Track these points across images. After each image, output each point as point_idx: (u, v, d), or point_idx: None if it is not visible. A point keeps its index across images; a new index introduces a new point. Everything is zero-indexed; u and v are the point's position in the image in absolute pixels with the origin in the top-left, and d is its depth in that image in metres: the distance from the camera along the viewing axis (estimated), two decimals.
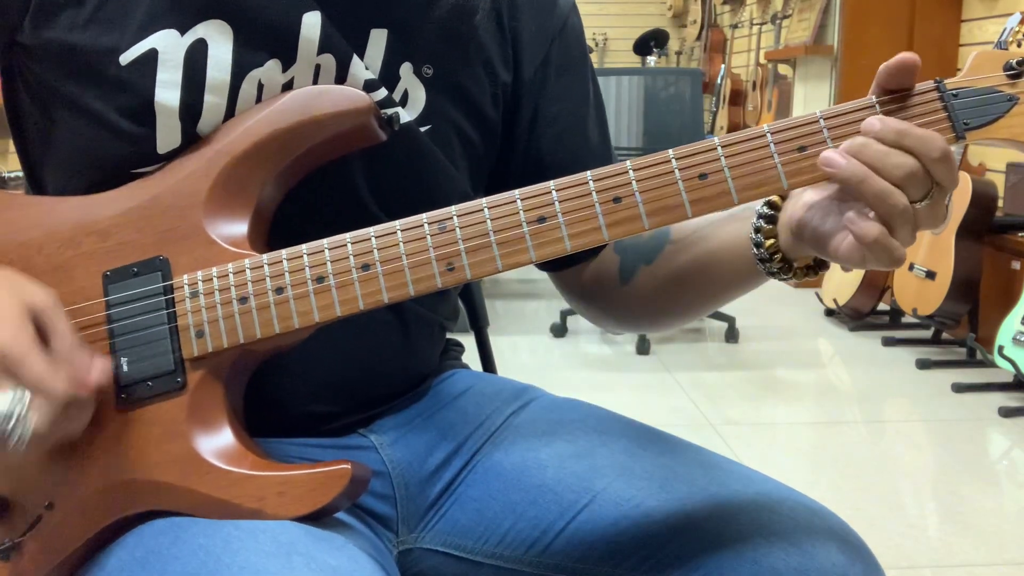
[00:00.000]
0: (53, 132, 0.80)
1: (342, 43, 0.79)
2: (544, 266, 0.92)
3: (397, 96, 0.82)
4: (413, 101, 0.83)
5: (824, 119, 0.68)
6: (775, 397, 3.23)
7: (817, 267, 0.76)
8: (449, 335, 1.02)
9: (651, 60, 6.49)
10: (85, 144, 0.78)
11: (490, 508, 0.84)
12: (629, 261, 0.88)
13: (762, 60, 5.92)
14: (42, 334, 0.68)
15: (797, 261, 0.76)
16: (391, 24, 0.81)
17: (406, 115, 0.82)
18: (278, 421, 0.83)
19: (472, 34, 0.85)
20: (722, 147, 0.68)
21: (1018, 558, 2.10)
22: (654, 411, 3.04)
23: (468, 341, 1.02)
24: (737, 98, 6.46)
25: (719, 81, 6.43)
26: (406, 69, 0.82)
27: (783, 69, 5.70)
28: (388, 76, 0.82)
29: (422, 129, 0.83)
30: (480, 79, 0.86)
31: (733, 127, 6.30)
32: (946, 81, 0.68)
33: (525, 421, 0.91)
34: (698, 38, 7.56)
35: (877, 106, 0.68)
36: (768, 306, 4.47)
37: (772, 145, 0.68)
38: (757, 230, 0.76)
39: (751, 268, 0.77)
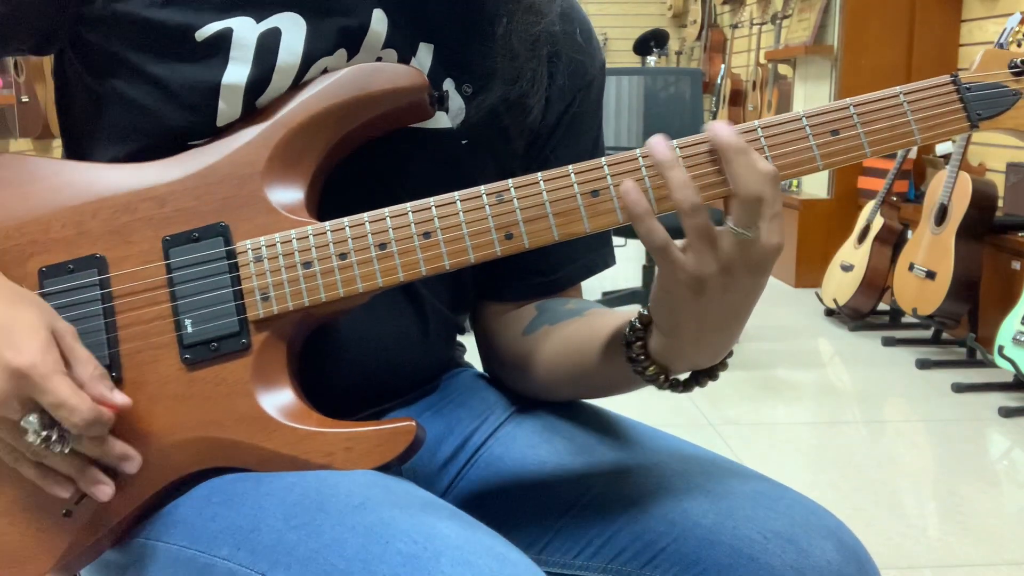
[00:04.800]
0: (108, 103, 0.81)
1: (404, 41, 0.82)
2: (487, 294, 0.94)
3: None
4: (455, 112, 0.86)
5: (854, 106, 0.73)
6: (775, 397, 3.23)
7: (689, 382, 0.79)
8: None
9: (651, 60, 6.48)
10: (142, 115, 0.79)
11: (489, 505, 0.85)
12: (539, 319, 0.90)
13: (762, 60, 5.92)
14: (64, 359, 0.69)
15: (670, 367, 0.78)
16: (439, 41, 0.84)
17: (449, 122, 0.85)
18: None
19: (516, 71, 0.87)
20: (761, 129, 0.72)
21: (1018, 558, 2.11)
22: (654, 411, 3.03)
23: (468, 341, 1.03)
24: (737, 98, 6.46)
25: (719, 81, 6.43)
26: (448, 83, 0.86)
27: (783, 69, 5.70)
28: (432, 85, 0.84)
29: (463, 142, 0.86)
30: (514, 108, 0.89)
31: None
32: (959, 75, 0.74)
33: (525, 419, 0.91)
34: (698, 38, 7.56)
35: (901, 95, 0.73)
36: (768, 306, 4.47)
37: (807, 128, 0.72)
38: (631, 326, 0.78)
39: (622, 363, 0.79)
